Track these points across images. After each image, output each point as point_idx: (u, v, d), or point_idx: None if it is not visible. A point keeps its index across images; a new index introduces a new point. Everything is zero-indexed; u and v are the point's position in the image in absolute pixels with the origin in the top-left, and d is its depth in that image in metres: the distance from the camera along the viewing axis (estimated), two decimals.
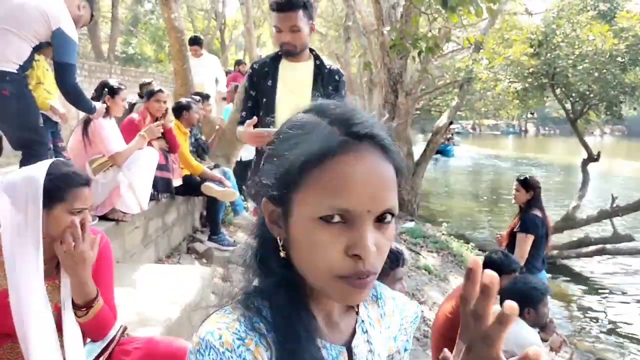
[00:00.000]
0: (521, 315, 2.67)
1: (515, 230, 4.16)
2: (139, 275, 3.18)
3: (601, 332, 6.20)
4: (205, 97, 6.03)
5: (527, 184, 4.22)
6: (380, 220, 0.65)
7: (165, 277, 3.21)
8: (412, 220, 8.99)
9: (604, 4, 9.70)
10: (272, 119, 2.36)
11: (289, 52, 2.49)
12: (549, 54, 9.34)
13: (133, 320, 2.42)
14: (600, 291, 7.55)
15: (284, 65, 2.58)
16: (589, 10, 9.56)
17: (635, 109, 10.53)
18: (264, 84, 2.58)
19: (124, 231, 3.61)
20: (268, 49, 16.70)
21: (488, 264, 3.18)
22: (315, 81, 2.50)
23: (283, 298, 0.69)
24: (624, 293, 7.50)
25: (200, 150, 5.27)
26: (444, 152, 27.78)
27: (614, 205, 8.32)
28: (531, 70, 9.59)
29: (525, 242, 4.03)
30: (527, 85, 9.95)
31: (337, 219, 0.63)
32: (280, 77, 2.56)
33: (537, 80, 9.82)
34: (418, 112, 19.43)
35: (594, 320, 6.54)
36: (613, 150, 30.48)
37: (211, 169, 4.85)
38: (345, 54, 14.57)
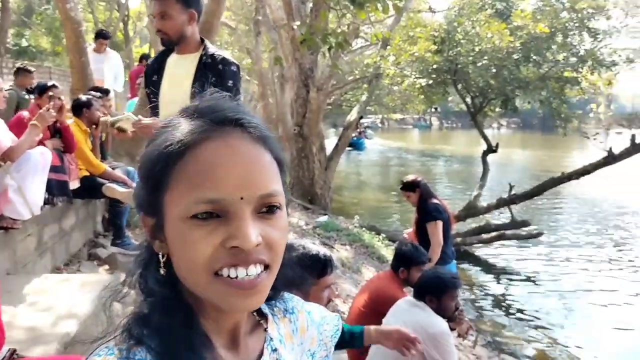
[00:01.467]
0: (424, 301, 2.74)
1: (422, 223, 4.28)
2: (33, 287, 2.92)
3: (502, 313, 6.61)
4: (104, 92, 5.68)
5: (411, 187, 4.38)
6: (265, 211, 0.60)
7: (62, 288, 2.98)
8: (325, 214, 9.08)
9: (500, 3, 10.31)
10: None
11: (163, 41, 2.42)
12: (451, 51, 9.79)
13: (25, 339, 2.22)
14: (500, 275, 8.06)
15: (172, 59, 2.50)
16: (487, 9, 10.12)
17: (529, 102, 11.32)
18: (151, 79, 2.51)
19: (15, 239, 3.30)
20: None
21: (399, 256, 3.26)
22: (198, 73, 2.40)
23: (166, 322, 0.61)
24: (521, 275, 8.06)
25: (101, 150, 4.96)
26: (356, 145, 28.44)
27: (512, 193, 8.89)
28: (435, 66, 10.00)
29: (437, 229, 4.17)
30: (431, 81, 10.37)
31: (210, 215, 0.57)
32: (166, 72, 2.49)
33: (441, 76, 10.27)
34: (329, 106, 19.66)
35: (495, 303, 6.97)
36: (509, 142, 32.71)
37: (113, 169, 4.56)
38: (256, 49, 14.39)
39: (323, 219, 8.43)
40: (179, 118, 0.64)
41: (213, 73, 2.38)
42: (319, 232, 7.50)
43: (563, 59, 10.22)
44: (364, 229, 8.73)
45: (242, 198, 0.57)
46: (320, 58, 9.80)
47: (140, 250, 0.68)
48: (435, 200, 4.31)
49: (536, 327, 6.19)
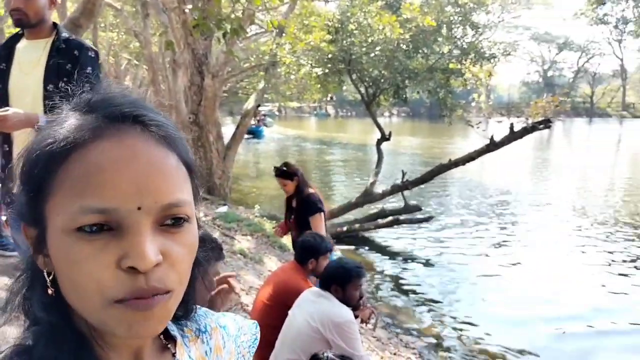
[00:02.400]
0: (330, 291, 2.78)
1: (303, 215, 4.08)
2: None
3: (399, 295, 6.92)
4: None
5: (289, 174, 4.10)
6: (168, 224, 0.51)
7: None
8: (225, 205, 8.91)
9: None
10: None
11: (19, 21, 2.20)
12: (345, 41, 9.97)
13: None
14: (396, 257, 8.42)
15: (21, 46, 2.29)
16: (377, 1, 10.40)
17: (418, 92, 11.87)
18: (1, 68, 2.28)
19: None
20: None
21: (305, 247, 3.26)
22: (50, 59, 2.22)
23: (53, 355, 0.52)
24: (415, 257, 8.49)
25: None
26: (255, 133, 28.23)
27: (404, 179, 9.30)
28: (330, 56, 10.14)
29: (322, 222, 4.02)
30: (326, 70, 10.50)
31: (100, 227, 0.48)
32: (15, 59, 2.27)
33: (335, 66, 10.43)
34: (225, 94, 19.28)
35: (392, 285, 7.27)
36: (400, 130, 34.24)
37: None
38: (145, 32, 13.65)
39: (223, 209, 8.27)
40: (68, 112, 0.54)
41: (67, 59, 2.20)
42: (218, 223, 7.34)
43: (448, 51, 10.84)
44: (264, 218, 8.69)
45: (139, 208, 0.48)
46: (214, 44, 9.52)
47: (23, 267, 0.57)
48: (312, 191, 4.14)
49: (431, 306, 6.55)
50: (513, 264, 8.01)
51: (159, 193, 0.50)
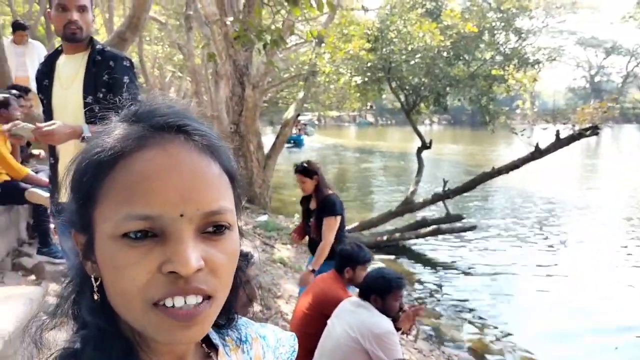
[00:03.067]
0: (369, 301, 2.75)
1: (320, 216, 3.94)
2: None
3: (441, 306, 6.79)
4: (24, 91, 5.32)
5: (309, 172, 3.97)
6: (210, 232, 0.52)
7: None
8: (265, 214, 8.99)
9: (430, 3, 10.56)
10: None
11: (73, 35, 2.26)
12: (384, 49, 9.93)
13: None
14: (438, 268, 8.28)
15: (61, 61, 2.36)
16: (417, 8, 10.33)
17: (459, 100, 11.69)
18: (42, 84, 2.37)
19: None
20: (101, 37, 15.41)
21: (343, 256, 3.24)
22: (87, 72, 2.28)
23: (98, 357, 0.53)
24: (457, 267, 8.32)
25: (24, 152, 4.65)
26: (296, 142, 28.49)
27: (446, 188, 9.15)
28: (369, 64, 10.11)
29: (335, 225, 3.85)
30: (366, 78, 10.47)
31: (145, 234, 0.50)
32: (56, 75, 2.34)
33: (375, 74, 10.39)
34: (266, 104, 19.52)
35: (434, 295, 7.15)
36: (441, 138, 33.82)
37: (37, 173, 4.28)
38: (188, 44, 14.02)
39: (263, 218, 8.34)
40: (116, 122, 0.56)
41: (104, 70, 2.26)
42: (259, 232, 7.42)
43: (490, 58, 10.64)
44: None
45: (181, 215, 0.50)
46: (255, 55, 9.67)
47: (73, 272, 0.59)
48: (330, 191, 3.98)
49: (474, 318, 6.40)
50: (559, 275, 7.74)
51: (201, 201, 0.51)
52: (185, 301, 0.50)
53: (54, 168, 2.41)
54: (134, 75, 2.35)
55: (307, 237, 4.31)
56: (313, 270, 3.72)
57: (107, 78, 2.25)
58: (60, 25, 2.26)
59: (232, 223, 0.54)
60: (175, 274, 0.49)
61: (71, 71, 2.32)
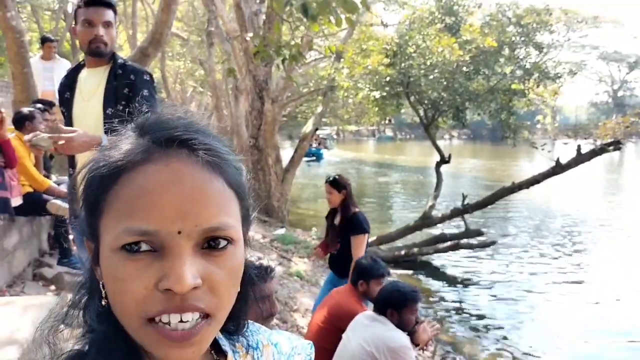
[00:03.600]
0: (385, 315, 2.72)
1: (346, 233, 3.96)
2: None
3: (459, 322, 6.68)
4: (49, 105, 5.46)
5: (339, 185, 4.03)
6: (209, 246, 0.52)
7: (4, 311, 2.78)
8: (282, 227, 9.01)
9: (449, 18, 10.57)
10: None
11: (98, 49, 2.33)
12: (403, 64, 9.94)
13: None
14: (456, 284, 8.17)
15: (83, 75, 2.43)
16: (437, 23, 10.35)
17: (478, 114, 11.62)
18: (63, 97, 2.44)
19: None
20: (125, 53, 15.76)
21: (358, 269, 3.23)
22: (108, 85, 2.34)
23: None
24: (476, 283, 8.20)
25: (47, 164, 4.75)
26: (317, 155, 28.62)
27: (465, 203, 9.07)
28: (388, 79, 10.13)
29: (363, 243, 3.89)
30: (384, 93, 10.48)
31: (144, 247, 0.50)
32: (78, 88, 2.41)
33: (394, 89, 10.40)
34: (285, 118, 19.66)
35: (453, 312, 7.04)
36: (461, 153, 33.54)
37: (59, 185, 4.37)
38: (209, 60, 14.25)
39: (280, 231, 8.36)
40: (124, 135, 0.56)
41: (125, 84, 2.32)
42: (276, 245, 7.43)
43: (510, 72, 10.57)
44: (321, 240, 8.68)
45: (179, 232, 0.49)
46: (274, 70, 9.77)
47: (85, 277, 0.61)
48: (357, 209, 4.03)
49: (492, 335, 6.28)
50: (580, 292, 7.57)
51: (200, 217, 0.50)
52: (181, 318, 0.50)
53: (72, 178, 2.45)
54: (153, 89, 2.40)
55: (329, 252, 4.33)
56: None
57: (128, 91, 2.30)
58: (86, 40, 2.32)
59: (236, 239, 0.54)
60: (170, 291, 0.49)
61: (92, 84, 2.38)
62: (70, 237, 4.29)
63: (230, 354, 0.66)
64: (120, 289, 0.50)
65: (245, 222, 0.58)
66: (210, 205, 0.51)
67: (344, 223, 3.99)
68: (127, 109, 0.61)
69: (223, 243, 0.52)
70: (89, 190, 0.54)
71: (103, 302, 0.56)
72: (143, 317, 0.50)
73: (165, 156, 0.52)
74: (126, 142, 0.55)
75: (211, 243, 0.52)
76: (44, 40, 6.59)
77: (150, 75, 2.42)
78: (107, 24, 2.32)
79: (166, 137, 0.53)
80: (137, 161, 0.52)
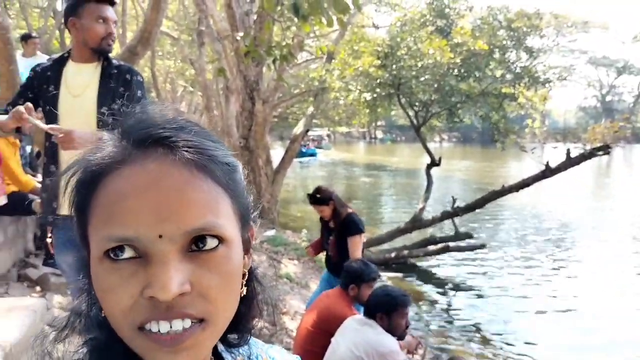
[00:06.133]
0: (375, 319, 2.70)
1: (343, 236, 3.96)
2: None
3: (448, 325, 6.69)
4: None
5: (324, 200, 3.98)
6: (198, 249, 0.48)
7: None
8: (272, 229, 8.97)
9: (441, 20, 10.59)
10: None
11: (110, 47, 2.34)
12: (394, 66, 9.95)
13: None
14: (445, 286, 8.17)
15: (69, 69, 2.36)
16: (428, 26, 10.37)
17: (469, 118, 11.66)
18: (45, 90, 2.34)
19: None
20: (114, 51, 15.62)
21: (348, 273, 3.20)
22: (102, 82, 2.31)
23: None
24: (465, 286, 8.21)
25: (32, 164, 4.68)
26: (312, 154, 28.76)
27: (455, 206, 9.08)
28: (379, 80, 10.13)
29: (360, 243, 3.88)
30: (375, 95, 10.49)
31: (128, 253, 0.47)
32: (63, 82, 2.34)
33: (385, 91, 10.40)
34: (275, 119, 19.61)
35: (442, 315, 7.04)
36: (451, 155, 33.68)
37: None
38: (200, 59, 14.15)
39: (270, 233, 8.32)
40: (107, 137, 0.53)
41: (120, 83, 2.31)
42: (266, 246, 7.39)
43: (501, 76, 10.62)
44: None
45: (160, 236, 0.46)
46: (265, 70, 9.73)
47: (84, 284, 0.57)
48: (351, 210, 4.01)
49: (482, 338, 6.29)
50: (569, 295, 7.61)
51: (181, 219, 0.47)
52: (170, 326, 0.47)
53: (53, 176, 2.36)
54: (145, 91, 2.44)
55: (320, 252, 4.41)
56: None
57: (123, 90, 2.29)
58: (99, 37, 2.28)
59: (228, 239, 0.50)
60: (156, 298, 0.46)
61: (82, 80, 2.32)
62: (49, 240, 4.21)
63: None
64: (108, 298, 0.48)
65: (244, 221, 0.55)
66: (192, 206, 0.48)
67: (339, 227, 3.99)
68: (121, 109, 0.57)
69: (212, 244, 0.48)
70: (75, 197, 0.52)
71: (102, 314, 0.53)
72: (132, 326, 0.48)
73: (142, 157, 0.49)
74: (107, 144, 0.52)
75: (199, 244, 0.48)
76: (26, 37, 6.50)
77: (142, 77, 2.43)
78: (115, 23, 2.36)
79: (143, 137, 0.50)
80: (114, 164, 0.49)
